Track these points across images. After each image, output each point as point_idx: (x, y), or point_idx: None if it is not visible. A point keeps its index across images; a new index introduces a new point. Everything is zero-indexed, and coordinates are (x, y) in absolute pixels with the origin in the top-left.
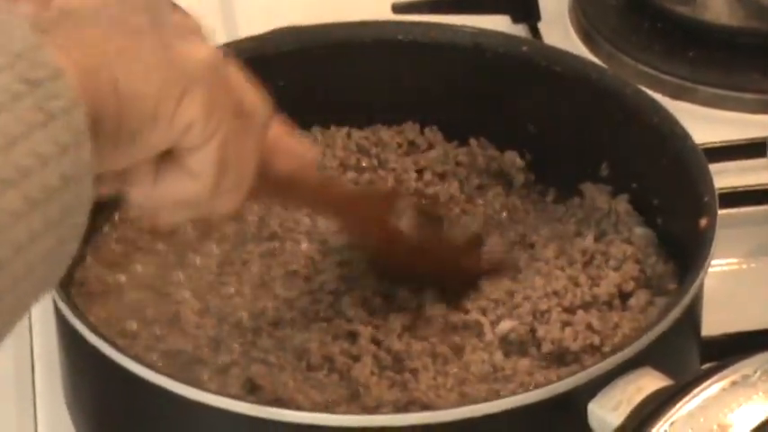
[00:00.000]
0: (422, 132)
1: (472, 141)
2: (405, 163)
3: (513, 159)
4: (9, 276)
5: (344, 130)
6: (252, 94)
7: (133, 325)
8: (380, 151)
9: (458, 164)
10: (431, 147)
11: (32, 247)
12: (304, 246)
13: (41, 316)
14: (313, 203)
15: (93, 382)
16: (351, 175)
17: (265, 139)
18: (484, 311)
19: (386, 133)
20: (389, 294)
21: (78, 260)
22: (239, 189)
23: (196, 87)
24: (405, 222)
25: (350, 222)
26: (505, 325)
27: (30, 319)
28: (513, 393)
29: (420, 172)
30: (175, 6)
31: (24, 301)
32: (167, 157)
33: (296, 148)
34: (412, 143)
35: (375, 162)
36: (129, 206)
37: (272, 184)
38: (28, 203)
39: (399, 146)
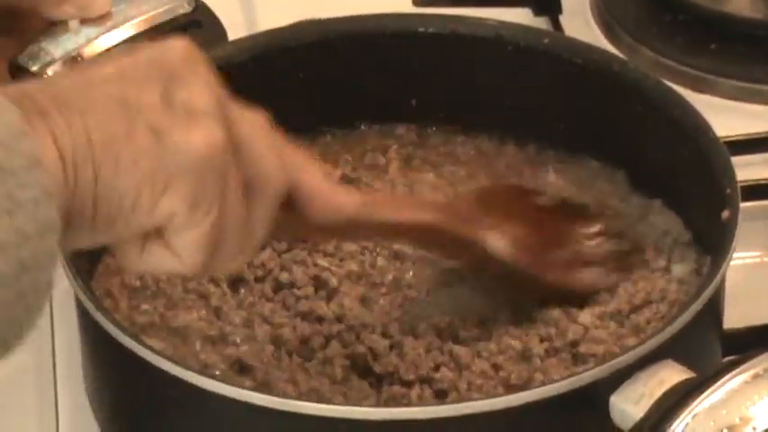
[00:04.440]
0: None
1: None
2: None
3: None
4: None
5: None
6: (267, 163)
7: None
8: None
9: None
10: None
11: None
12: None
13: (62, 307)
14: (382, 236)
15: (114, 373)
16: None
17: (276, 206)
18: None
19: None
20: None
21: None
22: (239, 256)
23: (180, 180)
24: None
25: (432, 246)
26: None
27: (51, 310)
28: (535, 386)
29: None
30: (197, 73)
31: None
32: (154, 234)
33: (336, 198)
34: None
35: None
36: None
37: (325, 231)
38: None
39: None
